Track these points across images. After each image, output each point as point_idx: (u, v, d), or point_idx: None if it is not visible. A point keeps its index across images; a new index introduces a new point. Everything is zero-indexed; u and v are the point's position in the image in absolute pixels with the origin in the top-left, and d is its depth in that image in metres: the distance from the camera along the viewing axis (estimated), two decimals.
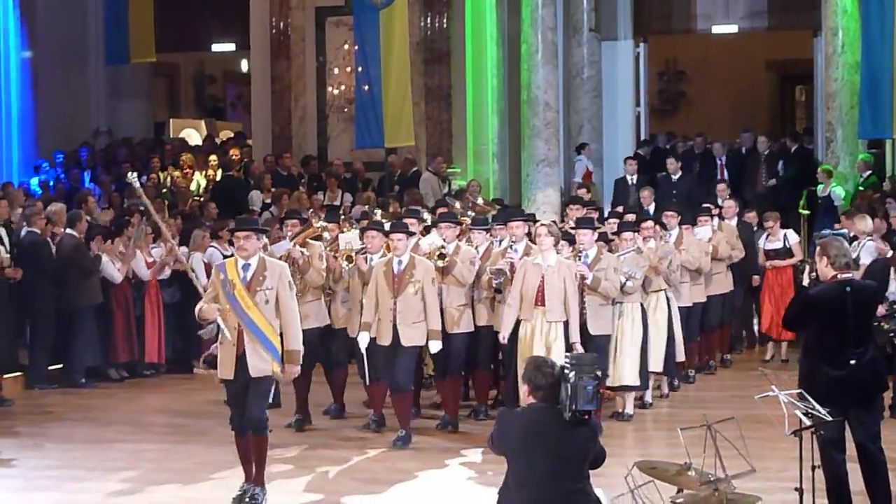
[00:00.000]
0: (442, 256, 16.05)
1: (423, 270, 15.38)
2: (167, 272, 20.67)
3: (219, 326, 12.47)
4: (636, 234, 17.21)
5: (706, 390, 18.64)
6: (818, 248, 12.08)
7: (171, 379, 20.59)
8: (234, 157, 28.63)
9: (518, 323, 15.38)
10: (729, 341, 21.48)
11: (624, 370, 16.31)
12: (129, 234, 20.58)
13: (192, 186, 27.62)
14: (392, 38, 25.32)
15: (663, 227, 18.73)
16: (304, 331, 14.47)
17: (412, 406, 16.27)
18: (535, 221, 17.43)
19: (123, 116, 33.27)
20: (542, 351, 14.66)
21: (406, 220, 16.83)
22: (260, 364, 12.43)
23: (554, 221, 18.84)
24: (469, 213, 20.62)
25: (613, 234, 17.69)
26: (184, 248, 20.07)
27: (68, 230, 20.30)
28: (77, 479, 14.65)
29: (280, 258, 15.18)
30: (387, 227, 16.47)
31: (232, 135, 32.81)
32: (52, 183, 28.10)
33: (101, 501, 13.74)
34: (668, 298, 17.70)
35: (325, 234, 17.20)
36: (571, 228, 17.19)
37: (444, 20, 27.16)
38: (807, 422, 10.32)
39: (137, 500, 13.67)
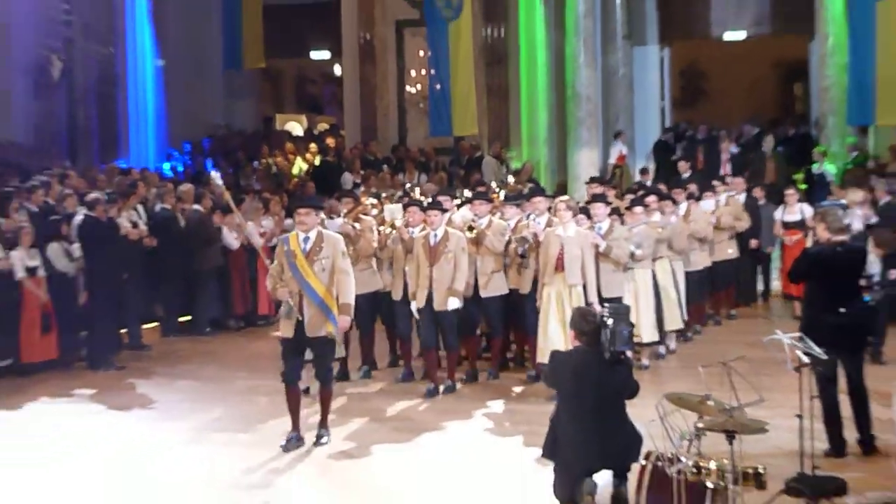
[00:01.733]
0: (471, 229, 15.74)
1: (455, 242, 14.97)
2: (275, 240, 20.73)
3: (290, 304, 12.35)
4: (645, 209, 16.79)
5: (711, 342, 18.34)
6: (817, 215, 12.33)
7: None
8: (329, 145, 28.71)
9: (541, 287, 14.98)
10: (733, 300, 20.94)
11: (641, 329, 15.79)
12: (243, 209, 20.65)
13: (294, 170, 27.70)
14: (459, 46, 25.31)
15: (674, 202, 18.14)
16: (359, 296, 14.38)
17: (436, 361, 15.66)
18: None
19: (238, 113, 33.42)
20: (559, 313, 14.60)
21: (440, 199, 16.51)
22: (316, 326, 12.35)
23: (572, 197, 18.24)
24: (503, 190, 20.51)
25: (626, 208, 17.18)
26: (288, 220, 20.07)
27: (195, 206, 20.41)
28: (203, 410, 14.77)
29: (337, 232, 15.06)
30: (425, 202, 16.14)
31: (328, 127, 32.92)
32: (180, 168, 28.25)
33: (224, 427, 13.85)
34: (671, 265, 17.23)
35: (374, 210, 16.99)
36: (587, 203, 16.85)
37: (502, 30, 27.10)
38: (806, 360, 10.28)
39: (255, 425, 13.76)
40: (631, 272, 16.06)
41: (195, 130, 30.31)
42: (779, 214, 20.74)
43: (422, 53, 27.55)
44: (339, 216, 16.61)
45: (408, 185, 21.66)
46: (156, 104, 29.50)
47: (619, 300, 15.07)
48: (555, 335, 14.53)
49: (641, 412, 10.28)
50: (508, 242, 15.83)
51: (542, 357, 14.34)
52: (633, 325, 11.21)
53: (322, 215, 14.36)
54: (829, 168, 23.99)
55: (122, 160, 27.33)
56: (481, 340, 16.92)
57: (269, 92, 37.19)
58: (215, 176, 14.90)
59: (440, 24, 25.76)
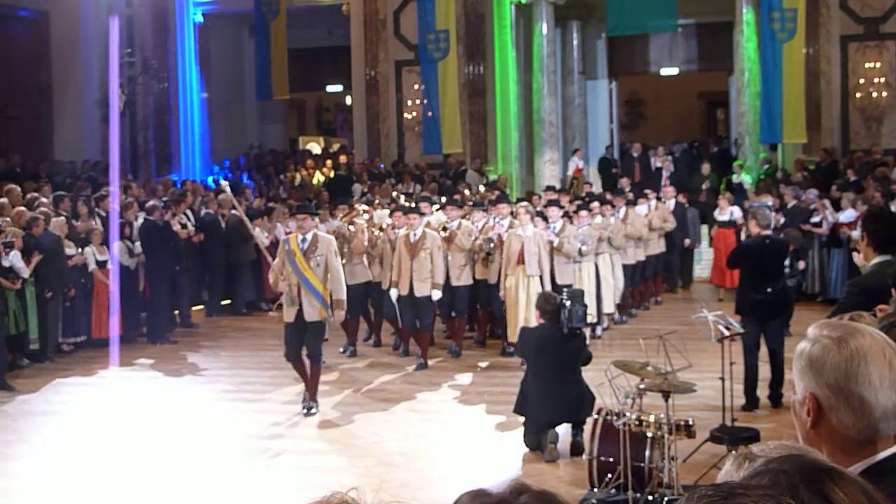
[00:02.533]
0: (445, 229, 15.84)
1: (432, 240, 14.98)
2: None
3: (290, 295, 12.23)
4: (589, 212, 16.92)
5: (648, 320, 18.31)
6: (749, 214, 12.89)
7: None
8: (342, 161, 28.64)
9: (505, 277, 15.18)
10: (661, 287, 20.89)
11: None
12: (274, 215, 20.74)
13: (314, 181, 27.64)
14: (446, 81, 25.27)
15: (613, 206, 18.27)
16: (351, 285, 14.63)
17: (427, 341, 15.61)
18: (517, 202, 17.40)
19: (268, 135, 33.36)
20: (523, 297, 14.72)
21: (420, 205, 16.74)
22: (313, 311, 12.21)
23: (530, 201, 18.68)
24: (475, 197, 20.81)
25: (573, 212, 17.00)
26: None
27: (233, 211, 20.37)
28: (240, 376, 14.82)
29: (331, 232, 15.00)
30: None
31: (340, 146, 32.82)
32: (221, 180, 28.20)
33: (258, 388, 13.88)
34: (610, 258, 17.23)
35: (364, 214, 16.94)
36: (543, 207, 17.13)
37: (481, 68, 27.03)
38: (726, 332, 10.32)
39: (284, 386, 13.78)
40: (578, 264, 16.08)
41: (233, 149, 30.28)
42: (716, 214, 20.79)
43: (416, 87, 27.51)
44: (335, 220, 16.74)
45: (402, 196, 21.57)
46: (201, 128, 29.45)
47: (569, 286, 14.84)
48: (520, 316, 14.60)
49: (593, 376, 10.33)
50: (475, 241, 15.90)
51: (513, 336, 14.37)
52: (586, 306, 11.30)
53: (317, 220, 14.55)
54: (746, 178, 24.03)
55: (174, 174, 27.29)
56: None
57: (294, 118, 37.11)
58: (225, 185, 14.96)
59: (431, 63, 25.74)
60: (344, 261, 14.97)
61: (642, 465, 8.88)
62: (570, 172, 27.39)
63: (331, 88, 35.03)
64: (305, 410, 12.45)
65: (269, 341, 16.94)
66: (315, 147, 33.37)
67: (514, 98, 26.87)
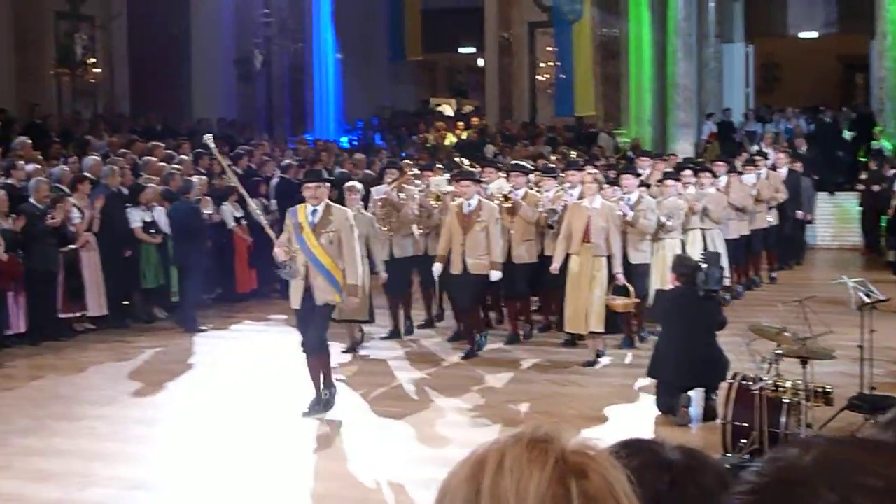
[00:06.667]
0: (507, 199, 13.79)
1: (488, 212, 13.00)
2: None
3: (291, 265, 10.55)
4: (677, 182, 15.02)
5: (761, 297, 16.63)
6: None
7: None
8: (474, 123, 28.69)
9: (568, 256, 12.90)
10: (776, 262, 19.19)
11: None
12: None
13: (446, 142, 27.74)
14: (580, 42, 25.20)
15: (713, 174, 16.38)
16: (399, 259, 13.93)
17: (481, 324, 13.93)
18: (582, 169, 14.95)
19: (400, 96, 33.53)
20: (587, 281, 12.64)
21: (486, 170, 15.21)
22: (323, 294, 10.48)
23: (598, 169, 16.31)
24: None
25: (658, 181, 15.34)
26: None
27: (366, 170, 20.55)
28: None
29: (380, 200, 14.06)
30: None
31: (472, 108, 32.86)
32: (355, 141, 28.45)
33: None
34: (703, 235, 15.36)
35: (417, 181, 15.19)
36: (619, 174, 14.80)
37: (616, 30, 26.83)
38: (867, 300, 10.12)
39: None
40: (661, 241, 14.21)
41: (366, 110, 30.57)
42: None
43: (549, 49, 27.41)
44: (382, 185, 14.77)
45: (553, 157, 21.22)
46: (335, 89, 29.76)
47: (646, 267, 13.79)
48: (586, 303, 12.68)
49: (729, 340, 10.22)
50: (541, 213, 13.99)
51: (570, 326, 13.04)
52: (723, 269, 11.12)
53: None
54: (886, 143, 23.53)
55: (308, 134, 27.62)
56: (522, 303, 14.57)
57: (426, 79, 37.18)
58: (208, 138, 12.09)
59: (565, 25, 25.68)
60: (390, 231, 14.01)
61: (777, 430, 8.76)
62: (703, 136, 27.08)
63: (463, 50, 35.02)
64: (323, 405, 10.74)
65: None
66: (447, 108, 33.46)
67: (649, 61, 26.61)
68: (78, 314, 15.04)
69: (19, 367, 13.33)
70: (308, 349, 10.69)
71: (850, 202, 23.44)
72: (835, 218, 23.90)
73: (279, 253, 10.51)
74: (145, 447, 9.76)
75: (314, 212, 10.53)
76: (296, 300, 10.64)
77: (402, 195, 14.28)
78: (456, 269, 13.06)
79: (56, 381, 12.44)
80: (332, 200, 10.99)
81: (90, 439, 10.00)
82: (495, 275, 12.99)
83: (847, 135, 24.62)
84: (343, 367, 12.74)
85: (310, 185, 10.68)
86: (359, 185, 13.81)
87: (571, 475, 1.54)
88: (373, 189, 14.53)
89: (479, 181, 13.96)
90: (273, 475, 8.97)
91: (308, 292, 10.53)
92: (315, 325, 10.59)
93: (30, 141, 17.35)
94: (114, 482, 8.75)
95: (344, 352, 13.34)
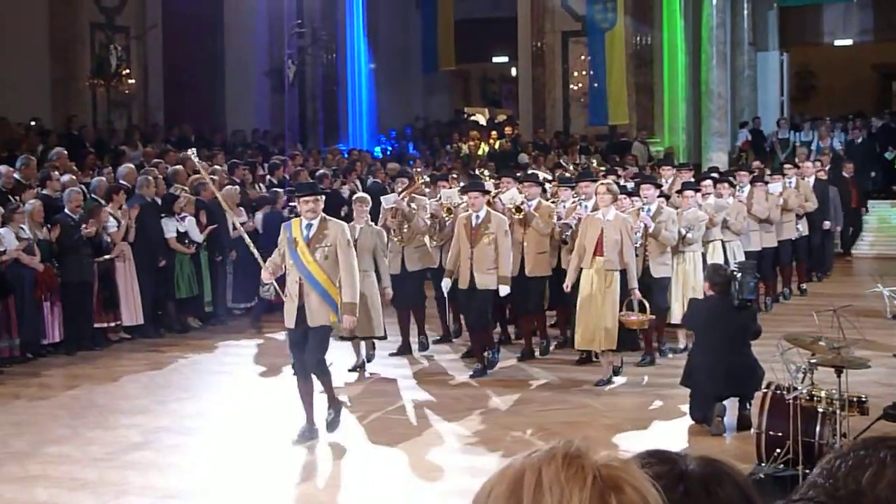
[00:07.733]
0: (518, 210, 13.31)
1: (497, 224, 12.51)
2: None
3: (274, 287, 10.37)
4: (696, 192, 14.37)
5: (794, 307, 16.52)
6: None
7: None
8: (507, 132, 28.71)
9: (580, 271, 12.30)
10: (805, 274, 18.63)
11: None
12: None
13: (479, 152, 27.76)
14: (613, 51, 25.19)
15: (731, 185, 15.90)
16: (410, 272, 13.57)
17: (491, 342, 13.24)
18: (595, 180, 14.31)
19: (434, 105, 33.57)
20: (599, 297, 12.03)
21: (503, 180, 14.73)
22: (317, 316, 9.94)
23: (614, 180, 14.94)
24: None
25: (677, 191, 14.72)
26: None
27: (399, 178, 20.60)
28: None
29: (390, 209, 13.61)
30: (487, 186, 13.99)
31: (506, 117, 32.87)
32: (388, 150, 28.51)
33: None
34: (724, 246, 14.75)
35: (426, 189, 14.97)
36: (638, 184, 14.41)
37: (649, 38, 26.77)
38: None
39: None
40: (682, 254, 13.70)
41: (399, 120, 30.61)
42: None
43: (583, 57, 27.40)
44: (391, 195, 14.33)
45: (571, 166, 21.36)
46: (368, 99, 29.83)
47: (667, 280, 13.39)
48: (598, 320, 12.08)
49: (763, 349, 10.17)
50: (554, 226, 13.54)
51: (581, 345, 12.51)
52: (758, 277, 11.04)
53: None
54: None
55: (342, 144, 27.70)
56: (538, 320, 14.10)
57: (459, 89, 37.22)
58: (191, 153, 12.07)
59: (598, 34, 25.70)
60: (402, 242, 13.65)
61: (812, 440, 8.70)
62: (738, 144, 27.00)
63: (496, 59, 35.03)
64: (329, 426, 10.35)
65: None
66: (480, 118, 33.48)
67: (682, 69, 26.58)
68: (112, 324, 15.14)
69: (55, 376, 13.44)
70: (305, 374, 10.20)
71: (887, 210, 23.31)
72: (873, 227, 23.76)
73: (265, 276, 10.26)
74: (179, 456, 9.81)
75: (309, 226, 10.07)
76: (289, 320, 10.14)
77: (413, 205, 13.85)
78: (463, 283, 12.63)
79: (91, 390, 12.53)
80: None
81: (125, 448, 10.05)
82: (504, 289, 12.58)
83: (889, 155, 24.29)
84: (348, 387, 12.38)
85: (308, 198, 10.15)
86: (367, 198, 13.55)
87: (610, 491, 1.56)
88: (382, 198, 14.22)
89: (487, 192, 13.43)
90: (307, 485, 8.98)
91: (301, 312, 10.02)
92: (311, 348, 10.05)
93: (66, 152, 17.49)
94: (148, 491, 8.79)
95: (350, 370, 13.01)
